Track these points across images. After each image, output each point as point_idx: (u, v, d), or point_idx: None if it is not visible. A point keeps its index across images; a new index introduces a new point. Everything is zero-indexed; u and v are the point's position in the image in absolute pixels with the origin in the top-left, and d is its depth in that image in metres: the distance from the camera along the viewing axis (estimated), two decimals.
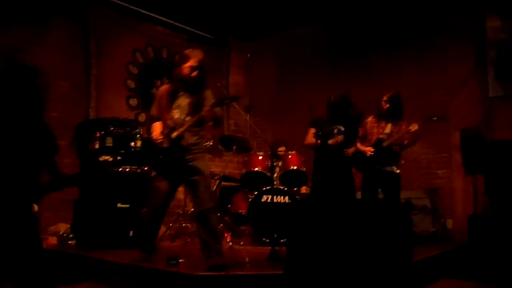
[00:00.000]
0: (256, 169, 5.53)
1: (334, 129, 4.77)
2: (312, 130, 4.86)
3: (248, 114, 7.02)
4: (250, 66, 8.19)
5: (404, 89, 6.01)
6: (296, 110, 7.00)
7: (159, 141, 3.65)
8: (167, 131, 3.66)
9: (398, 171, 4.93)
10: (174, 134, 3.60)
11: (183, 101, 3.70)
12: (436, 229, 5.73)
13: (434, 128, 5.84)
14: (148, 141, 3.79)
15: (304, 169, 5.48)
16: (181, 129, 3.59)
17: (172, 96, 3.72)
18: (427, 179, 6.29)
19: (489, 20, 6.04)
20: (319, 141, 4.65)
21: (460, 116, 6.08)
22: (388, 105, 4.82)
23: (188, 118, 3.63)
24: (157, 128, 3.76)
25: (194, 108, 3.62)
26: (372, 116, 4.98)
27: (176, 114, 3.68)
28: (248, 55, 8.10)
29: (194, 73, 3.66)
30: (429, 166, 6.33)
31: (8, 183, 2.52)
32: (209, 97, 3.74)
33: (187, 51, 3.77)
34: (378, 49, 6.73)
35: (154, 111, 3.87)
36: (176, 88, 3.75)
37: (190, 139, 3.67)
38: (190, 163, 3.66)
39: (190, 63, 3.67)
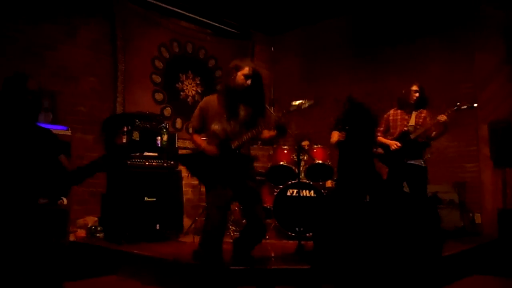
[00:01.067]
0: (281, 163, 5.42)
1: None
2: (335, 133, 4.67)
3: (272, 108, 6.92)
4: (275, 60, 8.06)
5: (430, 81, 5.90)
6: (321, 102, 6.82)
7: (214, 154, 3.49)
8: (217, 141, 3.50)
9: (424, 164, 4.76)
10: (235, 144, 3.46)
11: (240, 111, 3.54)
12: (464, 224, 5.51)
13: (461, 121, 5.61)
14: (200, 154, 3.60)
15: (330, 163, 5.34)
16: (243, 139, 3.45)
17: (226, 107, 3.53)
18: (454, 173, 6.03)
19: None
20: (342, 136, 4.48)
21: (488, 108, 5.82)
22: (418, 95, 4.60)
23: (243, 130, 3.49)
24: (200, 140, 3.61)
25: (251, 119, 3.49)
26: (394, 109, 4.78)
27: (232, 124, 3.51)
28: (272, 49, 7.96)
29: (248, 82, 3.50)
30: (457, 160, 6.08)
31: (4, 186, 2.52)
32: (268, 110, 3.60)
33: (236, 61, 3.58)
34: (403, 41, 6.51)
35: (196, 122, 3.64)
36: (229, 99, 3.55)
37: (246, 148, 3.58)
38: (248, 171, 3.58)
39: (243, 71, 3.50)
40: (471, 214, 5.74)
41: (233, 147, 3.46)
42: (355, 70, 6.82)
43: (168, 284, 3.76)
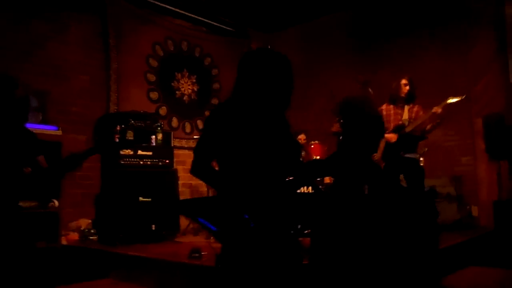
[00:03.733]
0: None
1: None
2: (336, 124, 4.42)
3: None
4: None
5: (426, 74, 5.74)
6: (320, 98, 6.55)
7: None
8: None
9: (421, 158, 4.53)
10: None
11: None
12: (461, 217, 5.30)
13: (456, 115, 5.39)
14: None
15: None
16: None
17: None
18: (451, 166, 5.80)
19: (508, 6, 5.57)
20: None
21: (482, 102, 5.65)
22: (408, 88, 4.39)
23: None
24: None
25: None
26: (386, 104, 4.54)
27: None
28: (269, 46, 7.60)
29: None
30: (453, 154, 5.85)
31: None
32: None
33: None
34: (400, 35, 6.27)
35: None
36: None
37: None
38: None
39: None
40: (468, 207, 5.54)
41: None
42: (354, 64, 6.50)
43: (165, 285, 3.50)
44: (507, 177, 5.19)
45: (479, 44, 5.71)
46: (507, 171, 5.22)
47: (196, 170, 1.95)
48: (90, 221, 4.69)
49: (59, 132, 4.38)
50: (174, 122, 6.17)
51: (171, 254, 3.81)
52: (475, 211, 5.54)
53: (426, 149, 5.34)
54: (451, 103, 4.21)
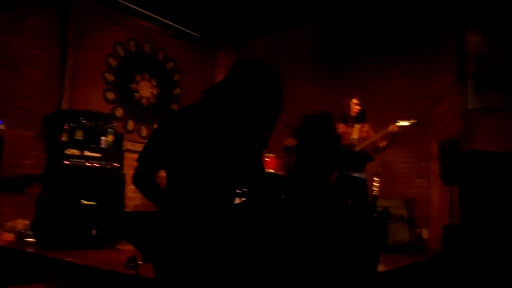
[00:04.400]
0: None
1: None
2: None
3: None
4: None
5: (391, 95, 5.91)
6: (284, 113, 6.51)
7: None
8: None
9: (375, 178, 4.55)
10: None
11: None
12: (411, 239, 5.31)
13: (415, 138, 5.49)
14: None
15: (281, 173, 5.01)
16: None
17: None
18: (405, 188, 5.85)
19: (470, 34, 5.72)
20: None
21: (440, 126, 5.77)
22: (359, 108, 4.50)
23: None
24: None
25: None
26: (336, 123, 4.57)
27: None
28: (235, 56, 7.55)
29: None
30: (408, 176, 5.91)
31: None
32: None
33: None
34: (368, 56, 6.32)
35: None
36: None
37: None
38: None
39: None
40: (418, 230, 5.56)
41: None
42: (320, 81, 6.53)
43: None
44: (458, 202, 5.23)
45: (442, 69, 5.85)
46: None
47: (138, 180, 1.73)
48: (28, 222, 4.47)
49: (2, 126, 4.19)
50: (130, 124, 6.00)
51: (107, 262, 3.64)
52: (425, 234, 5.59)
53: (381, 168, 5.35)
54: (402, 126, 4.26)
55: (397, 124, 4.27)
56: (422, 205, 5.67)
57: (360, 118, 4.51)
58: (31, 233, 4.32)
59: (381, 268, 3.75)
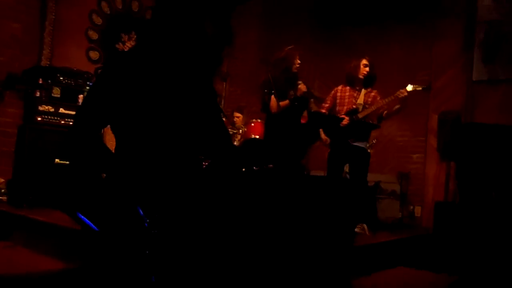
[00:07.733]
0: None
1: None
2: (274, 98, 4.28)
3: (224, 83, 6.43)
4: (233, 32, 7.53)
5: (389, 65, 5.63)
6: None
7: None
8: None
9: (369, 150, 4.42)
10: None
11: None
12: (402, 216, 5.24)
13: (413, 110, 5.30)
14: None
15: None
16: None
17: None
18: (400, 163, 5.71)
19: None
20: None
21: (441, 98, 5.56)
22: (368, 70, 4.22)
23: None
24: None
25: None
26: (342, 85, 4.39)
27: None
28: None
29: None
30: (405, 150, 5.76)
31: None
32: None
33: None
34: (367, 22, 6.09)
35: None
36: None
37: None
38: None
39: None
40: (411, 207, 5.48)
41: None
42: (316, 47, 6.36)
43: (66, 254, 3.30)
44: (454, 179, 5.09)
45: (446, 38, 5.59)
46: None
47: (76, 140, 1.52)
48: (3, 180, 4.51)
49: None
50: None
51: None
52: (418, 211, 5.50)
53: (375, 140, 5.25)
54: (411, 91, 4.03)
55: (407, 89, 4.00)
56: (417, 181, 5.56)
57: (369, 82, 4.25)
58: (4, 191, 4.36)
59: (359, 242, 3.70)
